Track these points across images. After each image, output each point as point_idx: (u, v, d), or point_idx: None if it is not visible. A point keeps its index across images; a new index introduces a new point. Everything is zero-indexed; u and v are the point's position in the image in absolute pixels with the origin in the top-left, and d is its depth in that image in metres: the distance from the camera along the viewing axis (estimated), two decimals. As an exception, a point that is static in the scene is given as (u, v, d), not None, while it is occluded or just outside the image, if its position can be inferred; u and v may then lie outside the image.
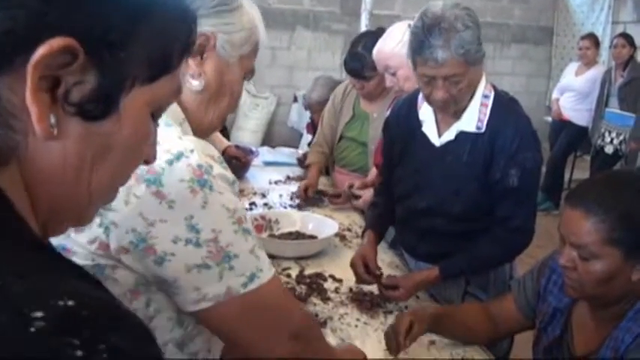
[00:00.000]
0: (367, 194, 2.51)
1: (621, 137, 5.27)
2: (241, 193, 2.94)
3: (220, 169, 0.93)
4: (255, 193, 2.95)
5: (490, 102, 1.74)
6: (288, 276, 2.01)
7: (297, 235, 2.32)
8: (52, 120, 0.49)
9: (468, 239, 1.77)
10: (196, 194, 0.88)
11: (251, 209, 2.69)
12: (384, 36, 2.36)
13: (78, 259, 0.90)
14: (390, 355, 1.51)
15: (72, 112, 0.50)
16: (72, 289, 0.45)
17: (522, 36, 7.75)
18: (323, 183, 3.08)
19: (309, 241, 2.26)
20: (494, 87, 1.78)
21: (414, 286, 1.80)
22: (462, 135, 1.76)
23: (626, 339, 1.27)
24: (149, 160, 0.63)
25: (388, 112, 2.14)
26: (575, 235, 1.30)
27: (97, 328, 0.43)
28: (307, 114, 4.05)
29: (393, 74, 2.31)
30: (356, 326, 1.71)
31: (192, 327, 0.99)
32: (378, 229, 2.00)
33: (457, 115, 1.76)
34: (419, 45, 1.62)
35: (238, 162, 3.06)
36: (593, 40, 5.79)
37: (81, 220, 0.59)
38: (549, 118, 6.46)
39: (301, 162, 3.46)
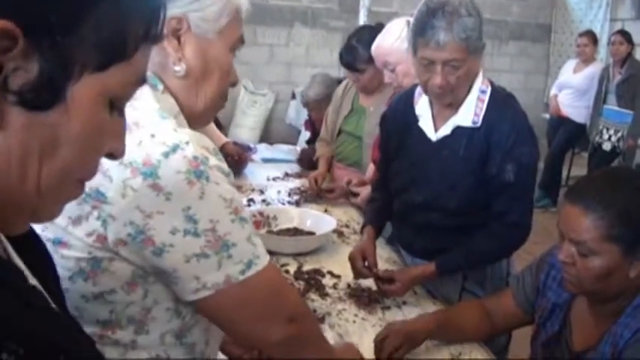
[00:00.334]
0: (365, 192, 2.51)
1: (619, 134, 5.27)
2: (239, 189, 2.93)
3: (216, 161, 0.93)
4: (253, 190, 2.95)
5: (487, 97, 1.74)
6: (287, 272, 2.01)
7: (295, 232, 2.32)
8: None
9: (464, 234, 1.77)
10: (193, 185, 0.88)
11: (249, 205, 2.69)
12: (383, 32, 2.36)
13: (74, 252, 0.89)
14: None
15: (13, 102, 0.47)
16: None
17: (520, 33, 7.75)
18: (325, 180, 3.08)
19: (307, 238, 2.26)
20: (491, 82, 1.79)
21: (410, 280, 1.80)
22: (458, 130, 1.76)
23: (625, 334, 1.27)
24: (116, 154, 0.59)
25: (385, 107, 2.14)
26: (574, 231, 1.30)
27: None
28: (305, 111, 4.05)
29: (392, 70, 2.31)
30: (354, 322, 1.71)
31: (190, 317, 0.99)
32: (377, 224, 2.00)
33: (453, 109, 1.76)
34: (422, 26, 1.64)
35: (234, 159, 3.05)
36: (591, 37, 5.80)
37: (38, 216, 0.56)
38: (547, 115, 6.46)
39: (301, 161, 3.46)
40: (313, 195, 2.85)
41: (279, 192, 2.94)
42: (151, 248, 0.88)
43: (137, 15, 0.55)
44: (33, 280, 0.59)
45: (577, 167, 6.15)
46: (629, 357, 1.25)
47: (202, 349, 1.04)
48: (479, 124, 1.73)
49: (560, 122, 5.91)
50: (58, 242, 0.90)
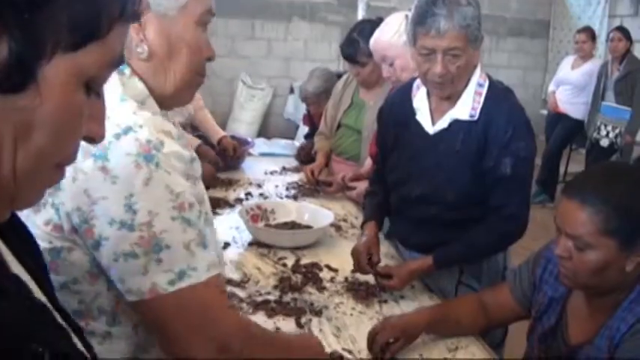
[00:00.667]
0: (362, 186, 2.51)
1: (617, 131, 5.28)
2: (237, 183, 2.94)
3: (175, 147, 0.89)
4: (250, 184, 2.95)
5: (484, 90, 1.75)
6: (284, 265, 2.02)
7: (293, 225, 2.32)
8: None
9: (461, 228, 1.77)
10: (140, 169, 0.85)
11: (247, 199, 2.69)
12: (382, 26, 2.36)
13: (38, 242, 0.89)
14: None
15: None
16: None
17: (519, 29, 7.75)
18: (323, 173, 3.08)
19: (304, 231, 2.26)
20: (488, 76, 1.79)
21: (408, 275, 1.81)
22: (455, 123, 1.77)
23: (622, 328, 1.28)
24: (94, 137, 0.58)
25: (384, 101, 2.14)
26: (571, 225, 1.31)
27: None
28: (304, 106, 4.04)
29: (391, 65, 2.31)
30: (351, 315, 1.72)
31: None
32: (378, 219, 2.00)
33: (451, 102, 1.77)
34: (422, 15, 1.65)
35: (225, 154, 3.04)
36: (590, 33, 5.80)
37: (17, 203, 0.54)
38: (545, 111, 6.47)
39: (298, 156, 3.46)
40: (311, 187, 2.85)
41: (276, 186, 2.94)
42: (91, 241, 0.86)
43: None
44: (17, 268, 0.58)
45: (575, 163, 6.16)
46: (625, 350, 1.26)
47: None
48: (476, 118, 1.74)
49: (558, 118, 5.92)
50: None
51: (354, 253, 1.87)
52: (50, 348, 0.51)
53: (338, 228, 2.39)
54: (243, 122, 6.71)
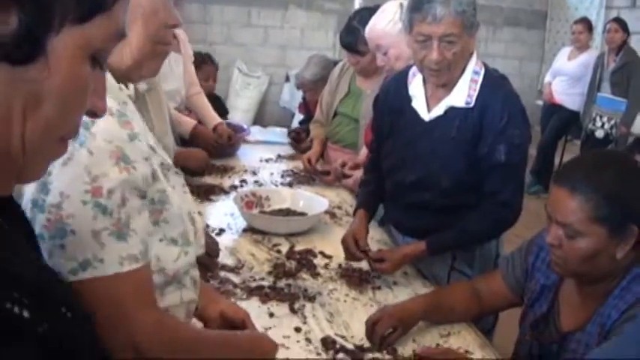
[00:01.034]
0: (357, 174, 2.51)
1: (612, 122, 5.29)
2: (232, 170, 2.94)
3: (108, 125, 0.84)
4: (245, 171, 2.95)
5: (480, 78, 1.76)
6: (278, 252, 2.02)
7: (288, 212, 2.32)
8: None
9: (455, 214, 1.78)
10: None
11: (242, 186, 2.69)
12: (376, 14, 2.35)
13: None
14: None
15: None
16: None
17: (515, 19, 7.73)
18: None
19: (299, 218, 2.27)
20: (484, 64, 1.80)
21: (401, 259, 1.81)
22: (451, 110, 1.77)
23: (613, 315, 1.29)
24: (97, 111, 0.58)
25: (380, 89, 2.14)
26: (562, 213, 1.31)
27: None
28: (299, 94, 4.03)
29: (385, 53, 2.30)
30: (345, 301, 1.72)
31: None
32: (369, 207, 2.01)
33: (447, 90, 1.77)
34: (419, 1, 1.66)
35: (223, 140, 3.03)
36: (587, 24, 5.79)
37: (23, 176, 0.55)
38: (541, 102, 6.47)
39: (294, 140, 3.46)
40: (307, 175, 2.85)
41: (271, 173, 2.94)
42: None
43: None
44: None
45: (569, 154, 6.16)
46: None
47: None
48: (472, 105, 1.74)
49: (553, 109, 5.92)
50: None
51: (343, 242, 1.89)
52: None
53: (332, 215, 2.40)
54: (239, 110, 6.68)
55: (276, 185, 2.76)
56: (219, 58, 3.79)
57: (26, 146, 0.52)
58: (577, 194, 1.28)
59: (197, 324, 1.22)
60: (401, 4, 2.15)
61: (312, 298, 1.71)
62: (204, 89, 3.46)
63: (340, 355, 1.44)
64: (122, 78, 1.01)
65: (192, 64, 3.16)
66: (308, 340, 1.50)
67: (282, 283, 1.79)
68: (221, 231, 2.16)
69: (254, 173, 2.92)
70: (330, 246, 2.05)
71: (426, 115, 1.82)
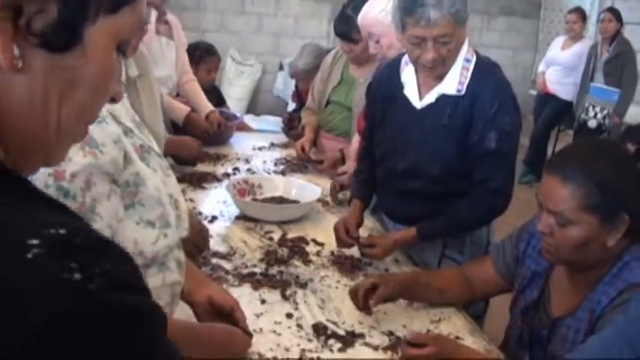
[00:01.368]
0: (350, 169, 2.49)
1: (605, 112, 5.30)
2: (225, 158, 2.94)
3: None
4: (238, 159, 2.95)
5: (471, 66, 1.76)
6: (271, 239, 2.02)
7: (280, 200, 2.33)
8: (16, 51, 0.48)
9: (446, 201, 1.79)
10: None
11: (234, 174, 2.69)
12: (369, 2, 2.34)
13: None
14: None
15: (35, 43, 0.49)
16: (59, 218, 0.48)
17: (510, 8, 7.72)
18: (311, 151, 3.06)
19: (291, 206, 2.27)
20: (476, 52, 1.79)
21: (391, 245, 1.83)
22: (442, 98, 1.77)
23: (603, 301, 1.29)
24: (116, 97, 0.61)
25: (373, 77, 2.13)
26: (553, 201, 1.31)
27: (90, 253, 0.46)
28: (293, 83, 4.02)
29: (377, 41, 2.30)
30: (336, 288, 1.73)
31: None
32: (364, 197, 2.01)
33: (439, 77, 1.77)
34: (411, 4, 1.63)
35: (211, 130, 3.02)
36: (581, 14, 5.79)
37: (50, 159, 0.58)
38: (534, 92, 6.48)
39: (286, 126, 3.45)
40: (300, 163, 2.85)
41: (264, 161, 2.94)
42: None
43: None
44: None
45: (562, 144, 6.16)
46: (605, 322, 1.27)
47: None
48: (463, 93, 1.74)
49: (546, 99, 5.93)
50: None
51: (334, 230, 1.90)
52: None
53: (325, 203, 2.40)
54: (232, 98, 6.65)
55: (269, 173, 2.75)
56: (212, 46, 3.77)
57: (61, 131, 0.54)
58: (569, 182, 1.28)
59: (185, 308, 1.22)
60: None
61: (303, 285, 1.72)
62: (206, 81, 3.46)
63: (331, 341, 1.45)
64: None
65: (185, 52, 3.14)
66: (299, 326, 1.50)
67: (274, 270, 1.79)
68: (213, 218, 2.16)
69: (247, 161, 2.92)
70: (323, 233, 2.05)
71: (418, 103, 1.82)
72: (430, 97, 1.79)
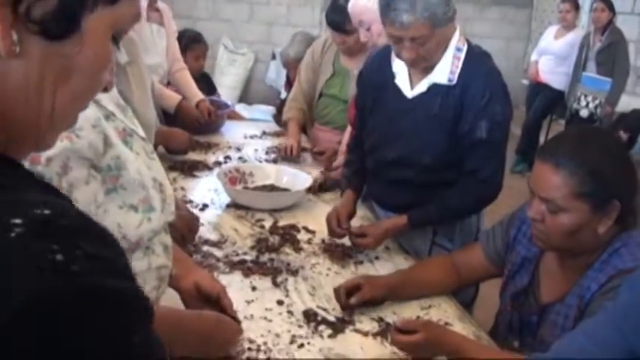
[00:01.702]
0: (341, 161, 2.49)
1: (597, 101, 5.31)
2: (216, 146, 2.93)
3: None
4: (230, 147, 2.94)
5: (462, 55, 1.75)
6: (262, 227, 2.02)
7: (272, 188, 2.32)
8: (15, 37, 0.49)
9: (436, 190, 1.79)
10: None
11: (226, 162, 2.68)
12: None
13: None
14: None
15: (34, 30, 0.50)
16: (46, 199, 0.48)
17: (503, -3, 7.71)
18: (302, 140, 3.05)
19: (282, 194, 2.26)
20: (467, 40, 1.79)
21: (382, 233, 1.83)
22: (433, 87, 1.77)
23: (592, 287, 1.30)
24: (109, 86, 0.62)
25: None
26: (545, 188, 1.31)
27: (74, 235, 0.46)
28: (285, 72, 4.00)
29: (368, 29, 2.29)
30: (327, 275, 1.73)
31: None
32: (356, 187, 2.01)
33: (430, 67, 1.76)
34: (385, 7, 1.64)
35: (201, 120, 3.01)
36: (573, 3, 5.78)
37: (41, 145, 0.59)
38: (527, 82, 6.48)
39: (277, 117, 3.44)
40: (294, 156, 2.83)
41: (256, 150, 2.93)
42: None
43: None
44: None
45: (554, 134, 6.19)
46: (595, 307, 1.28)
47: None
48: (454, 82, 1.74)
49: (539, 89, 5.93)
50: None
51: (326, 221, 1.90)
52: None
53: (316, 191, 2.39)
54: (224, 87, 6.62)
55: (261, 162, 2.75)
56: (204, 35, 3.75)
57: (54, 118, 0.55)
58: (561, 170, 1.28)
59: (175, 296, 1.22)
60: None
61: (294, 272, 1.72)
62: (194, 69, 3.44)
63: (322, 327, 1.45)
64: None
65: (176, 39, 3.12)
66: (290, 313, 1.51)
67: (264, 258, 1.79)
68: (204, 206, 2.16)
69: (238, 149, 2.91)
70: (314, 221, 2.05)
71: (409, 92, 1.81)
72: (421, 87, 1.79)
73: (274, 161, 2.77)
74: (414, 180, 1.83)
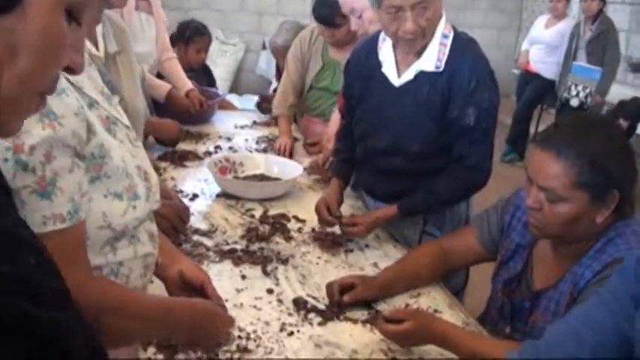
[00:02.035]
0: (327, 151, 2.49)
1: (587, 91, 5.32)
2: (207, 136, 2.92)
3: None
4: (220, 137, 2.93)
5: (449, 42, 1.75)
6: (252, 216, 2.02)
7: (262, 178, 2.32)
8: None
9: (425, 178, 1.79)
10: None
11: (216, 152, 2.67)
12: None
13: None
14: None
15: None
16: None
17: (494, -14, 7.70)
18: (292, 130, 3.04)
19: (273, 183, 2.26)
20: (453, 27, 1.78)
21: (373, 222, 1.84)
22: (421, 75, 1.77)
23: (587, 275, 1.29)
24: (75, 67, 0.59)
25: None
26: (544, 177, 1.30)
27: None
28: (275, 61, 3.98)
29: (359, 17, 2.28)
30: (317, 263, 1.74)
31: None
32: (344, 176, 2.01)
33: (417, 54, 1.76)
34: None
35: (192, 109, 2.99)
36: (564, -8, 5.79)
37: (1, 131, 0.56)
38: (518, 71, 6.49)
39: (260, 105, 3.43)
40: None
41: (246, 140, 2.93)
42: None
43: None
44: None
45: (545, 123, 6.20)
46: (587, 296, 1.28)
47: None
48: (441, 69, 1.73)
49: (529, 78, 5.95)
50: None
51: (315, 209, 1.90)
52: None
53: (309, 179, 2.40)
54: (215, 78, 6.60)
55: (251, 151, 2.74)
56: (195, 25, 3.72)
57: (2, 99, 0.52)
58: (562, 159, 1.27)
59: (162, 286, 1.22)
60: None
61: (284, 261, 1.72)
62: (194, 61, 3.42)
63: (311, 315, 1.46)
64: None
65: (165, 28, 3.10)
66: (280, 301, 1.51)
67: (255, 247, 1.79)
68: (194, 196, 2.16)
69: (228, 139, 2.91)
70: (304, 210, 2.05)
71: (396, 81, 1.81)
72: (408, 75, 1.79)
73: (264, 151, 2.76)
74: (403, 168, 1.83)
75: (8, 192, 0.69)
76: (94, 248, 0.94)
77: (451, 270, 1.71)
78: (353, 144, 1.99)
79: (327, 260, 1.76)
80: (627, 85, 5.87)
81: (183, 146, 2.69)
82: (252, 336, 1.35)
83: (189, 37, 3.39)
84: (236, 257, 1.72)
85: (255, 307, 1.48)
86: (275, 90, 3.59)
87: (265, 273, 1.65)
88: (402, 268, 1.64)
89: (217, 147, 2.76)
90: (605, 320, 1.12)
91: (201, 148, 2.72)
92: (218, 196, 2.18)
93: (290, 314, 1.46)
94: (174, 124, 2.65)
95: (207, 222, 1.95)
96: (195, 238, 1.82)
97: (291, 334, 1.38)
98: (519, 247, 1.51)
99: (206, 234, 1.85)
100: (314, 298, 1.54)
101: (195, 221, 1.91)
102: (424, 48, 1.75)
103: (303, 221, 2.01)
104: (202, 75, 3.53)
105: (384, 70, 1.83)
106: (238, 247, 1.78)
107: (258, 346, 1.32)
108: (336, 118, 2.49)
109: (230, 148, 2.77)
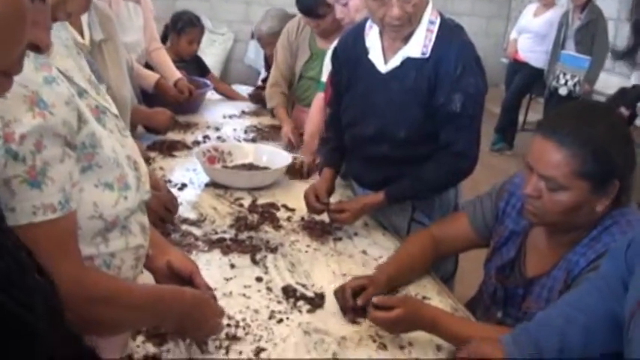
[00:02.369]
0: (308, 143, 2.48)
1: (575, 79, 5.34)
2: (195, 126, 2.91)
3: (25, 68, 0.76)
4: (208, 127, 2.92)
5: (436, 28, 1.74)
6: (241, 205, 2.02)
7: (251, 167, 2.32)
8: None
9: (413, 165, 1.79)
10: None
11: (204, 142, 2.66)
12: None
13: None
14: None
15: None
16: None
17: (483, -25, 7.70)
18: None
19: (262, 172, 2.26)
20: (440, 14, 1.78)
21: (360, 209, 1.84)
22: (407, 61, 1.76)
23: (581, 263, 1.29)
24: (40, 44, 0.57)
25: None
26: (545, 166, 1.29)
27: None
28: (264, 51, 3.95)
29: (345, 5, 2.27)
30: (306, 252, 1.74)
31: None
32: (334, 164, 2.01)
33: (403, 40, 1.76)
34: None
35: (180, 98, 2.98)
36: (553, -20, 5.79)
37: None
38: (506, 60, 6.50)
39: (252, 97, 3.42)
40: (271, 131, 2.80)
41: (235, 129, 2.92)
42: None
43: None
44: None
45: (534, 112, 6.24)
46: (580, 282, 1.28)
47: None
48: (427, 55, 1.73)
49: (518, 67, 5.96)
50: None
51: (304, 197, 1.90)
52: None
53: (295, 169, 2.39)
54: (205, 67, 6.57)
55: (239, 141, 2.73)
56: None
57: None
58: (564, 148, 1.26)
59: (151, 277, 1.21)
60: None
61: (273, 250, 1.72)
62: (186, 52, 3.40)
63: (300, 303, 1.46)
64: None
65: (153, 18, 3.08)
66: (269, 289, 1.51)
67: (243, 236, 1.79)
68: (183, 186, 2.15)
69: (217, 129, 2.90)
70: (293, 199, 2.05)
71: (383, 67, 1.81)
72: (395, 61, 1.78)
73: (253, 140, 2.76)
74: (391, 155, 1.83)
75: None
76: (85, 239, 0.93)
77: (442, 256, 1.71)
78: (342, 132, 1.99)
79: (316, 248, 1.76)
80: (615, 73, 5.89)
81: (171, 136, 2.67)
82: (242, 324, 1.35)
83: (182, 28, 3.37)
84: (225, 246, 1.71)
85: (244, 295, 1.48)
86: (264, 80, 3.59)
87: (254, 262, 1.65)
88: (399, 262, 1.62)
89: (206, 137, 2.75)
90: (596, 303, 1.13)
91: (189, 138, 2.71)
92: (207, 185, 2.17)
93: (279, 302, 1.46)
94: (166, 113, 2.62)
95: (196, 211, 1.94)
96: (184, 227, 1.81)
97: (280, 321, 1.38)
98: (513, 234, 1.50)
99: (195, 223, 1.85)
100: (303, 285, 1.54)
101: (184, 211, 1.90)
102: (411, 34, 1.75)
103: (292, 210, 2.00)
104: (194, 65, 3.51)
105: (370, 56, 1.83)
106: (227, 236, 1.78)
107: (247, 333, 1.32)
108: (313, 114, 2.49)
109: (218, 137, 2.76)
